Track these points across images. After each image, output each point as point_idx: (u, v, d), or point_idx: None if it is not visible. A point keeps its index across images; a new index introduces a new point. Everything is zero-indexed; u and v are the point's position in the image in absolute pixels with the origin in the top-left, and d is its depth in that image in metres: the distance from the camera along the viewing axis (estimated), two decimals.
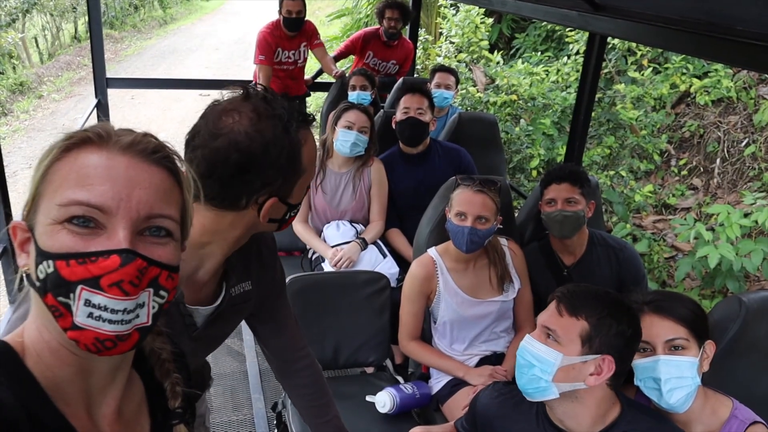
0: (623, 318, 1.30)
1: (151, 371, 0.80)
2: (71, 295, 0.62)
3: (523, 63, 6.12)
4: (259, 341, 1.40)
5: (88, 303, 0.62)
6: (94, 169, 0.64)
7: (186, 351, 1.10)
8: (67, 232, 0.62)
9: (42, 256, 0.62)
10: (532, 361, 1.31)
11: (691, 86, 5.42)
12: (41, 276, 0.62)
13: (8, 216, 2.05)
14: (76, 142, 0.66)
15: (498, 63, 6.15)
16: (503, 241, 2.14)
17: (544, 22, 6.57)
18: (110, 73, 4.18)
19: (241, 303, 1.21)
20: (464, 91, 5.74)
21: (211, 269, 1.10)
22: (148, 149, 0.68)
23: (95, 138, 0.66)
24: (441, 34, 7.04)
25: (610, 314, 1.29)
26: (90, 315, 0.62)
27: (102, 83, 3.86)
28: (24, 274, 0.66)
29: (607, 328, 1.28)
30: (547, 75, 5.88)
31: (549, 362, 1.28)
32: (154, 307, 0.66)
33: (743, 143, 5.12)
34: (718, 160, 5.23)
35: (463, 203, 1.97)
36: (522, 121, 5.47)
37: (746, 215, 4.01)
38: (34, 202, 0.66)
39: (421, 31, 6.89)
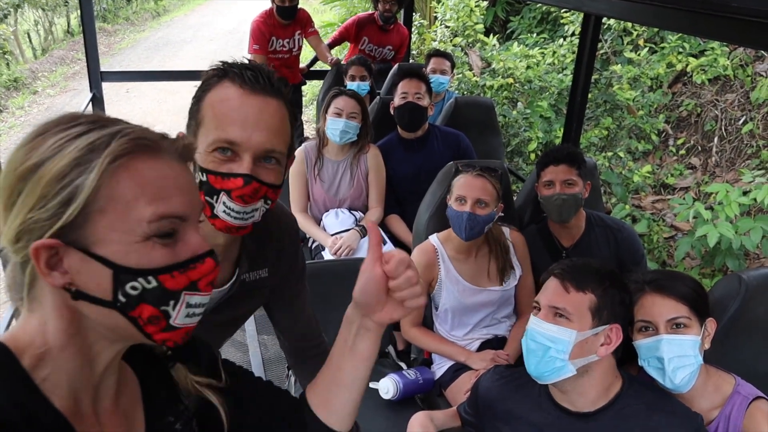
0: (623, 286, 1.36)
1: (145, 361, 0.79)
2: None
3: (518, 46, 6.08)
4: (275, 328, 1.41)
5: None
6: (164, 181, 0.65)
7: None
8: (160, 246, 0.64)
9: (133, 274, 0.63)
10: (546, 343, 1.30)
11: (687, 65, 5.39)
12: (133, 292, 0.63)
13: None
14: (125, 153, 0.63)
15: (494, 46, 6.11)
16: (505, 230, 2.13)
17: (539, 4, 6.52)
18: (104, 67, 4.14)
19: (255, 289, 1.21)
20: (460, 75, 5.71)
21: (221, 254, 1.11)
22: (184, 154, 0.72)
23: (146, 145, 0.65)
24: (436, 18, 6.99)
25: (612, 284, 1.33)
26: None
27: (96, 77, 3.83)
28: (68, 292, 0.63)
29: (611, 298, 1.32)
30: (543, 57, 5.85)
31: (564, 341, 1.29)
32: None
33: (741, 121, 5.11)
34: (715, 139, 5.22)
35: (463, 187, 1.97)
36: (519, 104, 5.45)
37: (745, 193, 4.00)
38: (78, 219, 0.61)
39: (416, 16, 6.84)
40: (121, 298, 0.63)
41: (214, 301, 1.15)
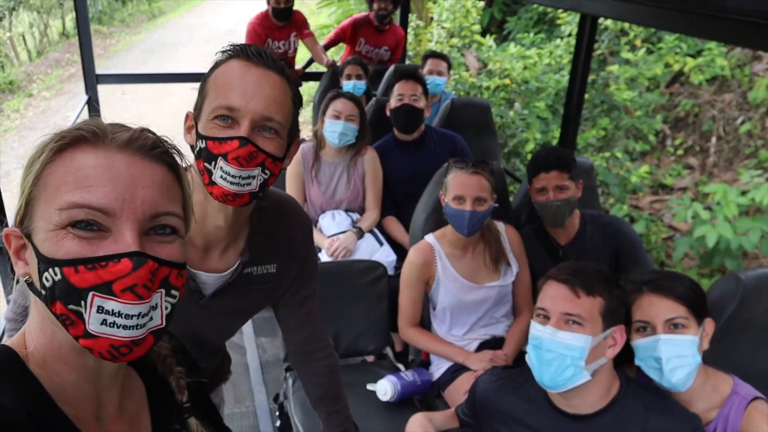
0: (621, 285, 1.37)
1: (151, 369, 0.79)
2: (82, 303, 0.60)
3: (515, 46, 6.09)
4: (281, 328, 1.40)
5: (101, 310, 0.60)
6: (93, 170, 0.62)
7: (194, 318, 1.13)
8: (72, 237, 0.60)
9: (46, 263, 0.60)
10: (563, 351, 1.28)
11: (684, 65, 5.40)
12: (47, 284, 0.60)
13: (1, 216, 2.04)
14: (69, 142, 0.63)
15: (490, 47, 6.12)
16: (500, 225, 2.14)
17: (535, 5, 6.53)
18: (100, 69, 4.14)
19: (260, 284, 1.21)
20: (457, 76, 5.71)
21: (220, 240, 1.12)
22: (147, 145, 0.65)
23: (90, 136, 0.64)
24: (432, 19, 6.99)
25: (615, 285, 1.34)
26: (104, 322, 0.60)
27: (92, 80, 3.82)
28: (26, 283, 0.64)
29: (617, 299, 1.33)
30: (540, 58, 5.86)
31: (579, 348, 1.27)
32: (166, 308, 0.65)
33: (739, 121, 5.11)
34: (713, 139, 5.23)
35: (460, 186, 1.97)
36: (516, 104, 5.45)
37: (743, 193, 4.01)
38: (28, 207, 0.63)
39: (412, 17, 6.84)
40: (42, 291, 0.61)
41: (212, 287, 1.16)
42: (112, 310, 0.60)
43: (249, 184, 1.01)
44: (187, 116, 1.07)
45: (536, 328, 1.34)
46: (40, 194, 0.62)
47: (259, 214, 1.17)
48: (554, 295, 1.33)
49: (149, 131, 0.68)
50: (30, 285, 0.64)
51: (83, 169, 0.62)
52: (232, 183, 1.00)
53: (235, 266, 1.16)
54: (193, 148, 1.04)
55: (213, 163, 1.00)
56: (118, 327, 0.61)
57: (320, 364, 1.40)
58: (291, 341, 1.40)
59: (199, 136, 1.02)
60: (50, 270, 0.60)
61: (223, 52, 1.05)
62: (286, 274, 1.26)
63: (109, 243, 0.61)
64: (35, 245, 0.62)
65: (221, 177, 0.99)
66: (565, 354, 1.28)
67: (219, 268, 1.15)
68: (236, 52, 1.03)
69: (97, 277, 0.59)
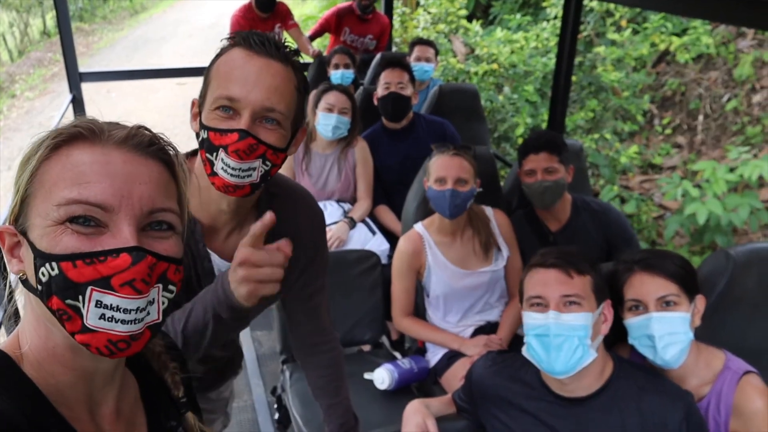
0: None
1: (145, 368, 0.79)
2: (80, 297, 0.60)
3: (502, 30, 6.07)
4: (287, 319, 1.39)
5: (99, 304, 0.60)
6: (90, 167, 0.62)
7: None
8: (70, 232, 0.61)
9: (43, 258, 0.60)
10: (570, 333, 1.29)
11: (670, 45, 5.41)
12: (43, 279, 0.60)
13: None
14: (65, 139, 0.63)
15: (477, 33, 6.09)
16: (489, 210, 2.14)
17: None
18: (83, 67, 4.08)
19: None
20: (445, 62, 5.68)
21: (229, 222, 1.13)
22: (143, 143, 0.66)
23: (87, 133, 0.64)
24: (418, 3, 6.95)
25: (594, 262, 1.38)
26: (102, 316, 0.61)
27: (75, 78, 3.77)
28: (20, 280, 0.64)
29: (599, 276, 1.36)
30: (526, 41, 5.84)
31: (583, 326, 1.29)
32: (163, 303, 0.66)
33: (725, 98, 5.13)
34: (700, 117, 5.25)
35: (441, 168, 1.97)
36: (506, 89, 5.44)
37: (732, 170, 4.03)
38: (23, 204, 0.63)
39: (398, 3, 6.80)
40: (38, 286, 0.61)
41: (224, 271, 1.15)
42: (111, 305, 0.61)
43: (249, 175, 1.02)
44: (192, 103, 1.08)
45: (534, 318, 1.34)
46: (36, 191, 0.62)
47: (269, 201, 1.16)
48: (547, 280, 1.34)
49: (145, 128, 0.68)
50: (24, 282, 0.64)
51: (80, 166, 0.62)
52: (232, 175, 1.00)
53: None
54: (197, 135, 1.05)
55: (215, 154, 1.00)
56: (116, 321, 0.61)
57: (325, 357, 1.40)
58: (296, 333, 1.40)
59: (202, 126, 1.02)
60: (47, 265, 0.60)
61: (227, 39, 1.05)
62: (296, 265, 1.23)
63: (107, 238, 0.62)
64: (31, 241, 0.62)
65: (222, 168, 1.00)
66: (572, 335, 1.29)
67: (226, 251, 1.15)
68: (239, 41, 1.03)
69: (95, 271, 0.60)
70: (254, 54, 1.01)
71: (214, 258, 1.14)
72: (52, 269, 0.60)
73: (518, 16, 6.59)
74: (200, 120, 1.04)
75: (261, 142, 1.00)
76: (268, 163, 1.03)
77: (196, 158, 1.10)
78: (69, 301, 0.60)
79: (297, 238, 1.21)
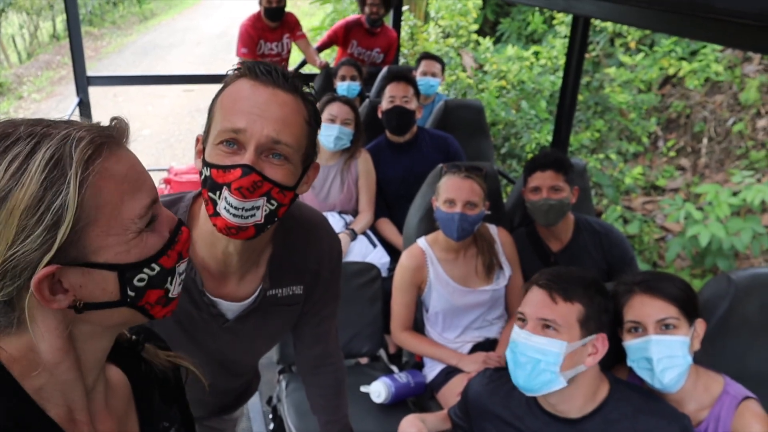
0: (606, 293, 1.35)
1: (135, 367, 0.79)
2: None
3: (513, 47, 6.09)
4: (294, 338, 1.37)
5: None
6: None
7: (217, 339, 1.15)
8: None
9: (138, 267, 0.65)
10: (536, 356, 1.28)
11: (679, 70, 5.42)
12: (140, 285, 0.66)
13: None
14: (94, 154, 0.61)
15: (487, 48, 6.11)
16: (493, 228, 2.14)
17: (527, 5, 6.55)
18: (91, 71, 4.12)
19: (286, 305, 1.19)
20: (453, 76, 5.70)
21: (237, 266, 1.09)
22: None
23: (108, 141, 0.63)
24: (428, 15, 6.97)
25: (597, 292, 1.33)
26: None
27: (83, 82, 3.79)
28: (75, 308, 0.63)
29: (597, 307, 1.31)
30: (536, 58, 5.86)
31: (554, 353, 1.27)
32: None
33: (730, 122, 5.14)
34: (705, 140, 5.26)
35: (451, 190, 1.97)
36: (524, 104, 5.43)
37: (735, 194, 4.03)
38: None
39: (410, 15, 6.82)
40: (130, 293, 0.65)
41: (236, 313, 1.13)
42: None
43: (253, 215, 0.94)
44: (197, 140, 1.02)
45: (515, 331, 1.35)
46: (94, 217, 0.60)
47: (284, 234, 1.12)
48: (533, 300, 1.34)
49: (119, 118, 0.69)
50: (83, 307, 0.62)
51: (129, 174, 0.64)
52: (234, 215, 0.93)
53: (256, 293, 1.12)
54: (200, 174, 0.98)
55: (218, 193, 0.94)
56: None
57: (328, 377, 1.38)
58: (302, 353, 1.38)
59: (205, 164, 0.96)
60: (145, 270, 0.65)
61: (233, 70, 0.99)
62: (313, 294, 1.22)
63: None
64: (105, 262, 0.62)
65: (225, 208, 0.93)
66: (538, 359, 1.28)
67: (239, 294, 1.11)
68: (244, 71, 0.96)
69: (176, 252, 0.70)
70: (260, 84, 0.95)
71: (222, 305, 1.11)
72: (152, 270, 0.66)
73: (522, 44, 6.62)
74: (203, 157, 0.97)
75: (266, 179, 0.93)
76: (273, 202, 0.95)
77: (201, 199, 1.04)
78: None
79: (317, 268, 1.20)
